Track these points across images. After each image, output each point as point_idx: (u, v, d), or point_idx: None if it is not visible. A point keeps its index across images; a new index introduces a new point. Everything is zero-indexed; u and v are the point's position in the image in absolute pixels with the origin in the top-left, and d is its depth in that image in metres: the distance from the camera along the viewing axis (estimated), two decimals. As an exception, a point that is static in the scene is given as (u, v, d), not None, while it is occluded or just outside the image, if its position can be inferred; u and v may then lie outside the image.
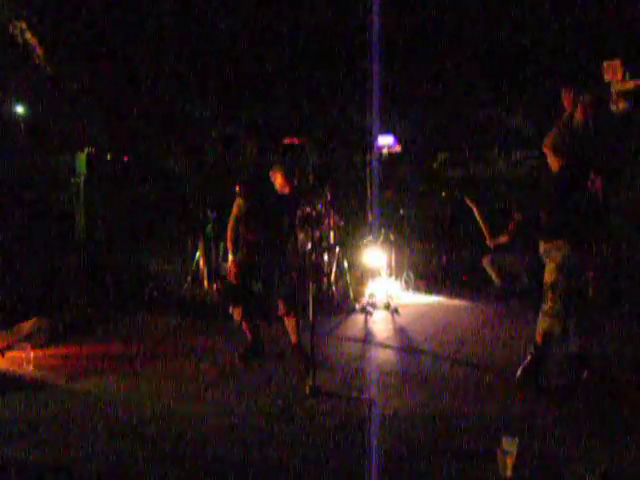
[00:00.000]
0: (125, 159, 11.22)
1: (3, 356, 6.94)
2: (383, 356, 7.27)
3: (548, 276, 5.80)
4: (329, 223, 9.67)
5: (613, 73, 7.05)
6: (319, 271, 9.51)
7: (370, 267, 9.59)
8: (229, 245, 6.75)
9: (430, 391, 5.86)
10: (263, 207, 6.73)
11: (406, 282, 10.24)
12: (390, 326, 8.44)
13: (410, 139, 14.29)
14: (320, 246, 9.60)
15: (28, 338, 7.25)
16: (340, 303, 9.31)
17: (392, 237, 10.03)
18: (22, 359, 6.79)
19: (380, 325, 8.46)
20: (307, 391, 5.73)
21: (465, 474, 4.26)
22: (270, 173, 6.74)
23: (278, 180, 6.69)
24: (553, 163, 5.84)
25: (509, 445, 4.18)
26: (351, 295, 9.34)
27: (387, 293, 9.23)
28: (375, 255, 9.60)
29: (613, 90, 7.12)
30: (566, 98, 6.04)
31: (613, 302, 7.98)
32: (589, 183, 5.97)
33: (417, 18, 14.37)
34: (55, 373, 6.51)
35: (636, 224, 8.79)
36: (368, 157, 10.34)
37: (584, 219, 5.79)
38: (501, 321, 8.39)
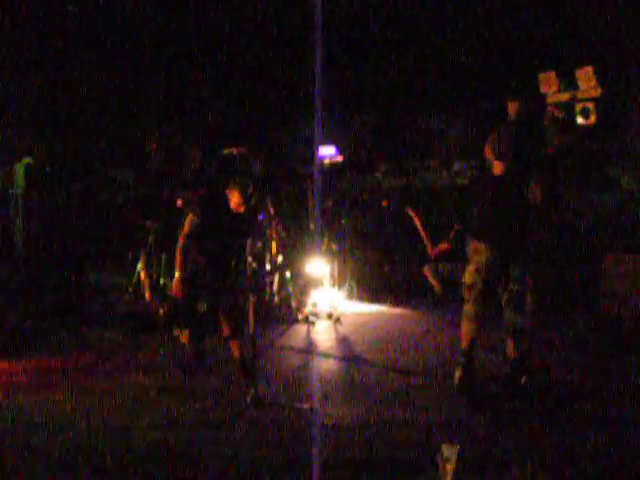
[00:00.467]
0: (65, 170, 11.07)
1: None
2: (325, 366, 7.29)
3: (467, 277, 5.93)
4: (271, 233, 9.65)
5: (548, 85, 7.19)
6: (261, 282, 9.49)
7: (313, 277, 9.61)
8: (178, 262, 6.54)
9: (371, 400, 5.89)
10: (216, 225, 6.64)
11: (348, 292, 10.29)
12: (332, 336, 8.46)
13: (352, 149, 14.37)
14: (262, 257, 9.59)
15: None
16: (283, 313, 9.30)
17: (334, 247, 10.07)
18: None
19: (322, 335, 8.48)
20: (249, 401, 5.72)
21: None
22: (227, 191, 6.62)
23: (235, 199, 6.54)
24: (497, 167, 5.93)
25: (449, 452, 4.21)
26: (294, 305, 9.34)
27: (330, 303, 9.26)
28: (318, 265, 9.62)
29: (549, 101, 7.27)
30: (511, 107, 6.14)
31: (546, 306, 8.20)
32: (529, 194, 6.08)
33: (359, 29, 14.48)
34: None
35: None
36: (310, 167, 10.37)
37: (509, 225, 5.90)
38: (441, 329, 8.48)
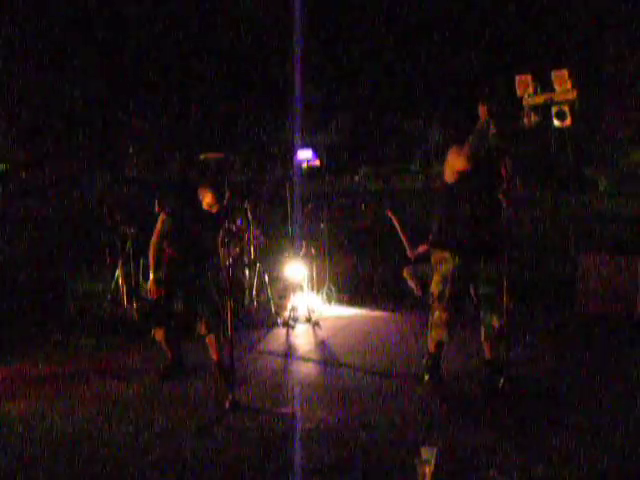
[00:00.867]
0: (41, 175, 11.02)
1: None
2: (304, 370, 7.28)
3: (434, 287, 5.99)
4: (249, 238, 9.64)
5: (524, 87, 7.22)
6: (239, 286, 9.48)
7: (291, 281, 9.61)
8: (151, 262, 6.60)
9: (351, 403, 5.90)
10: (188, 224, 6.65)
11: (327, 295, 10.28)
12: (311, 339, 8.46)
13: (330, 153, 14.41)
14: (241, 261, 9.58)
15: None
16: (261, 317, 9.29)
17: (313, 251, 10.07)
18: None
19: (301, 339, 8.48)
20: (227, 406, 5.71)
21: (385, 484, 4.30)
22: (199, 191, 6.63)
23: (207, 199, 6.55)
24: (452, 175, 5.94)
25: (427, 454, 4.23)
26: (272, 309, 9.33)
27: (308, 307, 9.26)
28: (296, 269, 9.62)
29: (525, 104, 7.30)
30: (482, 110, 6.16)
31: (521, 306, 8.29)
32: (501, 195, 6.12)
33: (339, 33, 14.53)
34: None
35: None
36: (288, 171, 10.37)
37: (471, 232, 5.94)
38: (421, 331, 8.47)
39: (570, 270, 9.41)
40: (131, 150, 12.88)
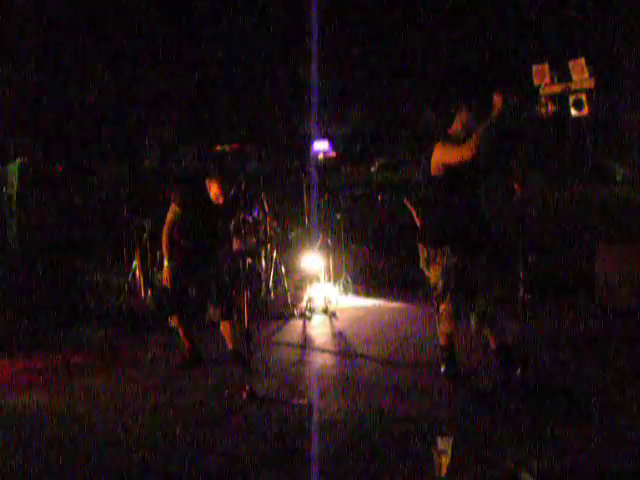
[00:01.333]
0: (59, 169, 11.05)
1: None
2: (321, 360, 7.29)
3: (436, 280, 5.97)
4: (266, 229, 9.65)
5: (541, 77, 7.17)
6: (256, 277, 9.49)
7: (308, 272, 9.61)
8: (164, 251, 6.72)
9: (367, 394, 5.89)
10: (198, 213, 6.70)
11: (344, 286, 10.29)
12: (328, 330, 8.46)
13: (347, 144, 14.38)
14: (257, 252, 9.59)
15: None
16: (278, 309, 9.30)
17: (330, 242, 10.07)
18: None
19: (318, 330, 8.49)
20: (244, 397, 5.72)
21: (401, 475, 4.29)
22: (206, 181, 6.69)
23: (213, 190, 6.63)
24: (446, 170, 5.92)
25: (444, 444, 4.23)
26: (289, 300, 9.34)
27: (325, 298, 9.26)
28: (313, 260, 9.63)
29: (542, 94, 7.25)
30: (497, 100, 6.12)
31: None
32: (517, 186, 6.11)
33: (356, 25, 14.48)
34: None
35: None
36: (304, 162, 10.36)
37: (467, 224, 5.95)
38: (437, 322, 8.47)
39: (589, 260, 9.35)
40: (147, 142, 12.89)
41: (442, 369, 6.16)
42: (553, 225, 11.97)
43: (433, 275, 6.03)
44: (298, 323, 8.77)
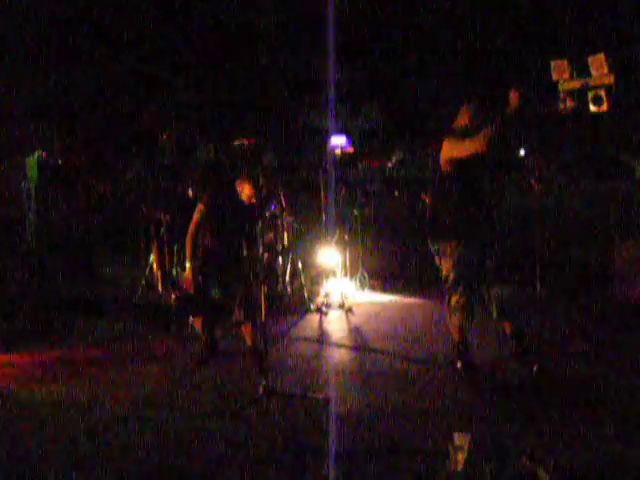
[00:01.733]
0: (77, 163, 11.11)
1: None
2: (337, 356, 7.30)
3: (447, 272, 5.99)
4: (282, 224, 9.67)
5: (560, 72, 7.14)
6: (273, 272, 9.51)
7: (325, 267, 9.62)
8: (188, 252, 6.67)
9: (384, 389, 5.90)
10: (225, 214, 6.69)
11: (361, 281, 10.29)
12: (345, 326, 8.47)
13: (365, 139, 14.36)
14: (274, 247, 9.61)
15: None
16: (295, 303, 9.32)
17: (346, 237, 10.08)
18: (-28, 367, 6.70)
19: (335, 325, 8.49)
20: (261, 392, 5.73)
21: (418, 470, 4.30)
22: (237, 182, 6.68)
23: (246, 191, 6.63)
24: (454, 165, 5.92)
25: (461, 440, 4.23)
26: (306, 295, 9.34)
27: (342, 293, 9.27)
28: (330, 255, 9.63)
29: (561, 89, 7.22)
30: (513, 96, 6.11)
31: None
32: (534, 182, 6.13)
33: (374, 18, 14.44)
34: (7, 381, 6.41)
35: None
36: (321, 157, 10.36)
37: (477, 217, 5.98)
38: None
39: (606, 256, 9.31)
40: (164, 137, 12.91)
41: (458, 364, 6.16)
42: (570, 220, 11.93)
43: (444, 268, 6.04)
44: (314, 318, 8.78)
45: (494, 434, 4.79)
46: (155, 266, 9.32)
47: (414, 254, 11.10)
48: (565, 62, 7.02)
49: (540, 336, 6.41)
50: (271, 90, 14.56)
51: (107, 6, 12.96)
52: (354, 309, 9.02)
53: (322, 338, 7.95)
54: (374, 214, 12.32)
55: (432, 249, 6.17)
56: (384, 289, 10.30)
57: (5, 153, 10.72)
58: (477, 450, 4.27)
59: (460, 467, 4.16)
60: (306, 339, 7.90)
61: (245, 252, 6.87)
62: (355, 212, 10.86)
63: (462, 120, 6.07)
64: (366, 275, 10.36)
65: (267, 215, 9.28)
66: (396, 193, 12.72)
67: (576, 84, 6.65)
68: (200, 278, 6.65)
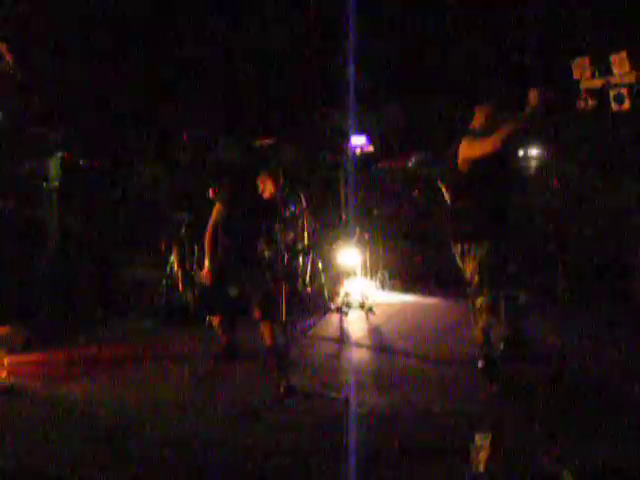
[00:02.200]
0: (97, 164, 11.14)
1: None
2: (358, 355, 7.29)
3: (472, 274, 5.96)
4: (303, 224, 9.67)
5: (581, 71, 7.10)
6: (293, 272, 9.52)
7: (345, 267, 9.62)
8: (207, 250, 6.70)
9: (405, 390, 5.89)
10: (244, 212, 6.71)
11: (381, 281, 10.29)
12: (365, 325, 8.47)
13: (384, 139, 14.32)
14: (295, 247, 9.62)
15: (3, 344, 7.19)
16: (315, 303, 9.32)
17: (366, 237, 10.07)
18: (-4, 366, 6.74)
19: (355, 325, 8.49)
20: (282, 391, 5.73)
21: (439, 471, 4.29)
22: (259, 179, 6.70)
23: (269, 187, 6.65)
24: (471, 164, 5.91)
25: (482, 441, 4.21)
26: (326, 295, 9.35)
27: (362, 293, 9.27)
28: (350, 255, 9.63)
29: (582, 88, 7.18)
30: (532, 95, 6.08)
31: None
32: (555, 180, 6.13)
33: (393, 15, 14.41)
34: (30, 379, 6.45)
35: None
36: (342, 157, 10.36)
37: (500, 218, 5.96)
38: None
39: (629, 256, 9.24)
40: (182, 138, 12.95)
41: (479, 364, 6.13)
42: (592, 220, 11.84)
43: (468, 270, 6.01)
44: (335, 318, 8.78)
45: (517, 435, 4.76)
46: (176, 266, 9.35)
47: (434, 254, 11.07)
48: (586, 60, 6.98)
49: (562, 337, 6.36)
50: (292, 89, 14.56)
51: (123, 3, 13.01)
52: (374, 309, 9.01)
53: (342, 338, 7.95)
54: (394, 214, 12.28)
55: (455, 250, 6.14)
56: (404, 289, 10.30)
57: (28, 154, 10.79)
58: (499, 451, 4.25)
59: (482, 468, 4.14)
60: (326, 339, 7.90)
61: (265, 251, 6.88)
62: (375, 212, 10.85)
63: (478, 120, 6.06)
64: (386, 275, 10.34)
65: (288, 215, 9.29)
66: (416, 193, 12.67)
67: (597, 83, 6.62)
68: (218, 276, 6.67)
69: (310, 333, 8.10)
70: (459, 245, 6.05)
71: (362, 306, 9.08)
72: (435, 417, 5.23)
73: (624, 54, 6.53)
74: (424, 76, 14.78)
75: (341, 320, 8.67)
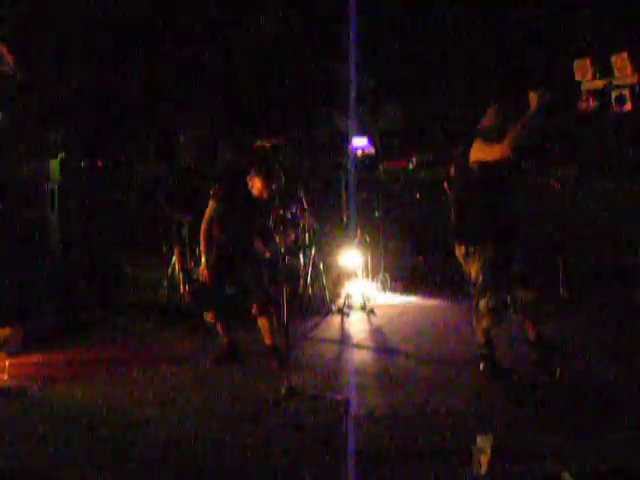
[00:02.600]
0: (99, 164, 11.15)
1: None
2: (359, 357, 7.28)
3: (476, 276, 5.93)
4: (304, 225, 9.66)
5: (583, 72, 7.10)
6: (294, 273, 9.50)
7: (346, 268, 9.60)
8: (202, 247, 6.76)
9: (406, 391, 5.88)
10: (237, 209, 6.73)
11: (382, 283, 10.27)
12: (366, 327, 8.45)
13: (385, 141, 14.32)
14: (295, 248, 9.60)
15: (2, 346, 7.18)
16: (316, 305, 9.30)
17: (368, 238, 10.06)
18: (-4, 367, 6.74)
19: (356, 326, 8.48)
20: (283, 392, 5.72)
21: (441, 473, 4.28)
22: (248, 178, 6.72)
23: (257, 185, 6.67)
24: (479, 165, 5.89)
25: (483, 443, 4.20)
26: (327, 297, 9.33)
27: (363, 294, 9.25)
28: (351, 256, 9.61)
29: (583, 89, 7.18)
30: (532, 98, 6.07)
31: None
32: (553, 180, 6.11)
33: (394, 18, 14.41)
34: (30, 381, 6.43)
35: None
36: (343, 158, 10.36)
37: (506, 219, 5.95)
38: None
39: (629, 258, 9.23)
40: (182, 139, 12.97)
41: (481, 366, 6.12)
42: (592, 221, 11.83)
43: (473, 271, 5.99)
44: (336, 319, 8.77)
45: (517, 436, 4.75)
46: (177, 267, 9.35)
47: (436, 256, 11.06)
48: (588, 61, 6.97)
49: (562, 338, 6.36)
50: (292, 90, 14.56)
51: (124, 6, 13.02)
52: (375, 311, 8.99)
53: (343, 339, 7.94)
54: (395, 216, 12.27)
55: (458, 252, 6.12)
56: (405, 291, 10.27)
57: (28, 155, 10.78)
58: (500, 453, 4.24)
59: (483, 470, 4.13)
60: (327, 340, 7.89)
61: (266, 252, 6.91)
62: (376, 214, 10.83)
63: (488, 121, 6.04)
64: (387, 277, 10.33)
65: (288, 216, 9.29)
66: (417, 195, 12.65)
67: (599, 84, 6.61)
68: (214, 272, 6.69)
69: (311, 335, 8.09)
70: (464, 246, 6.03)
71: (363, 308, 9.07)
72: (436, 418, 5.22)
73: (625, 55, 6.53)
74: (424, 77, 14.79)
75: (342, 322, 8.66)
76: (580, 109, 6.80)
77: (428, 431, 4.95)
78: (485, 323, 6.02)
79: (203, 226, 6.75)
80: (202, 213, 6.82)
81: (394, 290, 10.26)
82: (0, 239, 8.70)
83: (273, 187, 6.78)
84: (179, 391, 6.07)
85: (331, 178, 11.68)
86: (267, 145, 10.05)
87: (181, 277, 9.35)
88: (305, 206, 9.65)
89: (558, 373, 5.95)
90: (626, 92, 6.39)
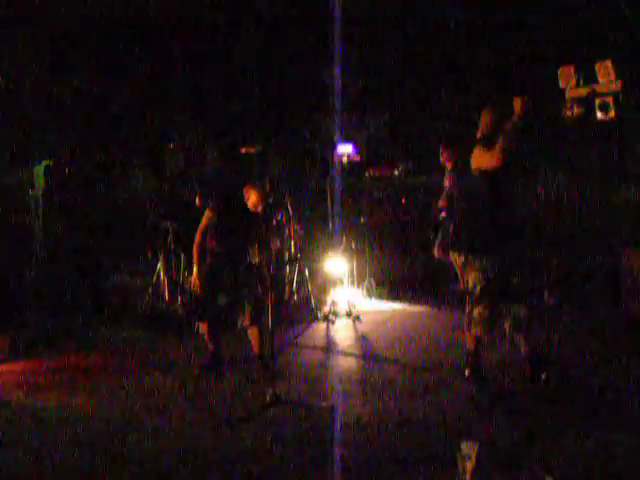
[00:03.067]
0: (85, 171, 11.11)
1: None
2: (345, 364, 7.29)
3: (473, 285, 5.92)
4: (290, 232, 9.66)
5: (567, 79, 7.12)
6: (280, 280, 9.49)
7: (332, 275, 9.60)
8: (195, 257, 6.74)
9: (391, 398, 5.88)
10: (233, 220, 6.72)
11: (368, 290, 10.27)
12: (352, 334, 8.45)
13: (370, 148, 14.34)
14: (281, 255, 9.59)
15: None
16: (302, 312, 9.29)
17: (353, 245, 10.07)
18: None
19: (342, 333, 8.48)
20: (268, 400, 5.71)
21: (425, 479, 4.28)
22: (244, 190, 6.71)
23: (252, 198, 6.66)
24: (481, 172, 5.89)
25: (468, 449, 4.20)
26: (313, 304, 9.32)
27: (349, 301, 9.25)
28: (336, 263, 9.62)
29: (567, 96, 7.20)
30: (516, 104, 6.08)
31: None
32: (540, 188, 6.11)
33: (379, 25, 14.44)
34: (15, 388, 6.42)
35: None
36: (328, 166, 10.36)
37: (504, 228, 5.93)
38: (461, 326, 8.39)
39: (614, 266, 9.25)
40: (171, 146, 12.93)
41: (466, 373, 6.13)
42: (579, 228, 11.88)
43: (470, 280, 5.96)
44: (322, 326, 8.76)
45: (503, 442, 4.76)
46: (162, 274, 9.32)
47: (421, 262, 11.08)
48: (572, 69, 7.00)
49: (548, 345, 6.37)
50: (278, 98, 14.56)
51: (115, 13, 12.99)
52: (361, 317, 8.99)
53: (329, 346, 7.94)
54: (380, 222, 12.28)
55: (454, 259, 6.12)
56: (391, 297, 10.28)
57: (14, 161, 10.75)
58: (485, 459, 4.24)
59: (468, 477, 4.13)
60: (313, 347, 7.89)
61: (255, 258, 6.89)
62: (361, 220, 10.84)
63: (483, 126, 6.04)
64: (373, 283, 10.34)
65: (274, 223, 9.28)
66: (402, 201, 12.67)
67: (583, 91, 6.64)
68: (207, 281, 6.67)
69: (297, 342, 8.08)
70: (463, 255, 6.01)
71: (349, 314, 9.07)
72: (421, 425, 5.22)
73: (609, 62, 6.56)
74: (411, 85, 14.82)
75: (328, 329, 8.66)
76: (564, 116, 6.82)
77: (413, 438, 4.96)
78: (476, 331, 6.00)
79: (197, 235, 6.72)
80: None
81: (380, 297, 10.27)
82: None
83: (270, 200, 6.77)
84: (162, 398, 6.06)
85: (317, 185, 11.68)
86: (253, 151, 10.05)
87: (166, 284, 9.31)
88: (291, 213, 9.65)
89: (544, 378, 5.96)
90: (609, 100, 6.42)
